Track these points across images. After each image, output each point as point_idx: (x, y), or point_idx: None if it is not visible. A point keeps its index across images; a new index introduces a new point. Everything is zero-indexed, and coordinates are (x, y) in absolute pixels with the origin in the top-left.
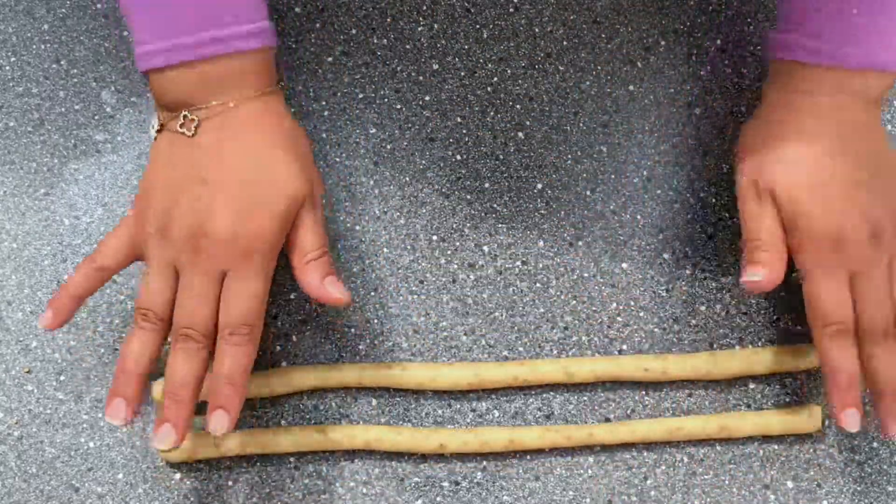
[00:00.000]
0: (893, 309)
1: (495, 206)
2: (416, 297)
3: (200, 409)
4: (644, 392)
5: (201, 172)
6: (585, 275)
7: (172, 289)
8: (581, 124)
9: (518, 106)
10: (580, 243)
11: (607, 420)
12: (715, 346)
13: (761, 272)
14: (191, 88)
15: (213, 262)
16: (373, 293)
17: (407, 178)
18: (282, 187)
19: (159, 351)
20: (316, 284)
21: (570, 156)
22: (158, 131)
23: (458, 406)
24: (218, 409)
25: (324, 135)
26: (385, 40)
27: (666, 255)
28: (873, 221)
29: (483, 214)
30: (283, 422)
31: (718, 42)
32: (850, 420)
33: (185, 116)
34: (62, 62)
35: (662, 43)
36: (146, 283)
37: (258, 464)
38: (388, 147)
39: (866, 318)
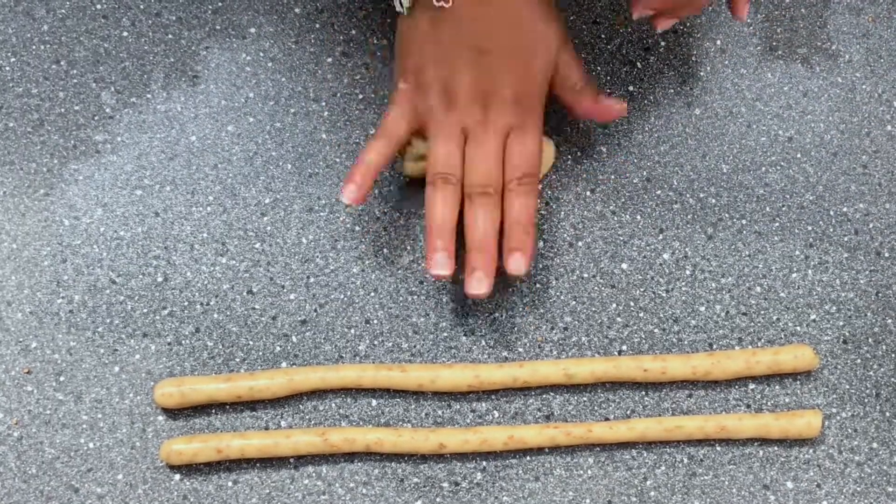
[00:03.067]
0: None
1: None
2: (415, 297)
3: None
4: (644, 393)
5: (474, 41)
6: (585, 275)
7: (462, 151)
8: (581, 124)
9: None
10: (580, 243)
11: (607, 420)
12: (714, 346)
13: None
14: None
15: (503, 121)
16: (373, 293)
17: (407, 179)
18: (546, 43)
19: (458, 209)
20: (591, 103)
21: (570, 156)
22: (410, 8)
23: (458, 407)
24: (514, 252)
25: (324, 135)
26: (385, 40)
27: (666, 256)
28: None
29: None
30: (282, 423)
31: (718, 42)
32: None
33: None
34: (62, 63)
35: (662, 43)
36: (437, 150)
37: (258, 464)
38: None
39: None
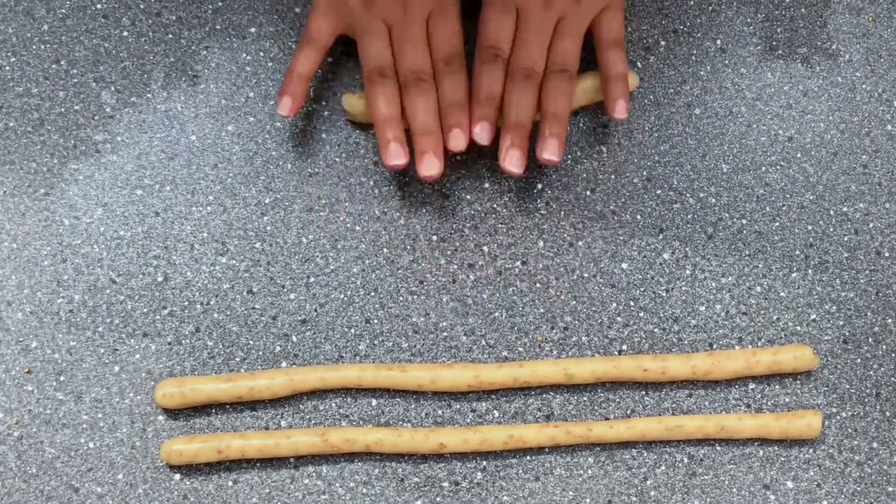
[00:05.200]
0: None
1: (495, 206)
2: (415, 297)
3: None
4: (644, 392)
5: None
6: (585, 275)
7: (389, 44)
8: (581, 124)
9: None
10: (580, 243)
11: (607, 420)
12: (715, 346)
13: None
14: None
15: (421, 9)
16: (373, 293)
17: (407, 178)
18: None
19: (399, 100)
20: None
21: (570, 156)
22: None
23: (458, 406)
24: (453, 129)
25: (324, 135)
26: None
27: (666, 255)
28: None
29: (483, 214)
30: (282, 422)
31: (718, 42)
32: (479, 131)
33: None
34: (62, 62)
35: (662, 43)
36: (367, 48)
37: (258, 464)
38: None
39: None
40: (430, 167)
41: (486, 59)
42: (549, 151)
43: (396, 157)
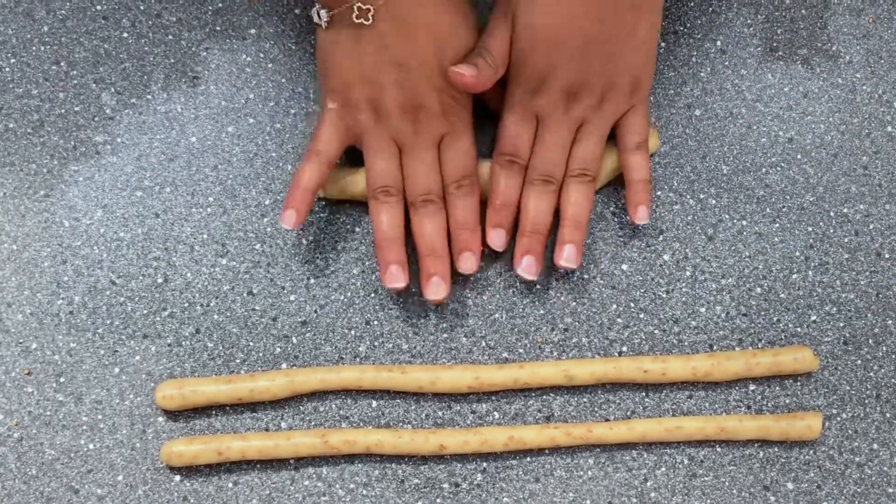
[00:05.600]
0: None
1: None
2: (416, 298)
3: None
4: (644, 394)
5: (397, 59)
6: (585, 276)
7: (398, 163)
8: None
9: None
10: None
11: (607, 421)
12: (715, 347)
13: (468, 69)
14: None
15: (434, 131)
16: (373, 294)
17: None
18: (465, 52)
19: (403, 220)
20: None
21: None
22: (329, 22)
23: (458, 408)
24: (464, 252)
25: None
26: None
27: (666, 257)
28: (581, 79)
29: (483, 214)
30: (283, 424)
31: (718, 42)
32: (495, 237)
33: (358, 8)
34: (62, 64)
35: (662, 44)
36: (375, 166)
37: (258, 465)
38: None
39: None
40: (437, 291)
41: (503, 165)
42: (567, 259)
43: (396, 280)
